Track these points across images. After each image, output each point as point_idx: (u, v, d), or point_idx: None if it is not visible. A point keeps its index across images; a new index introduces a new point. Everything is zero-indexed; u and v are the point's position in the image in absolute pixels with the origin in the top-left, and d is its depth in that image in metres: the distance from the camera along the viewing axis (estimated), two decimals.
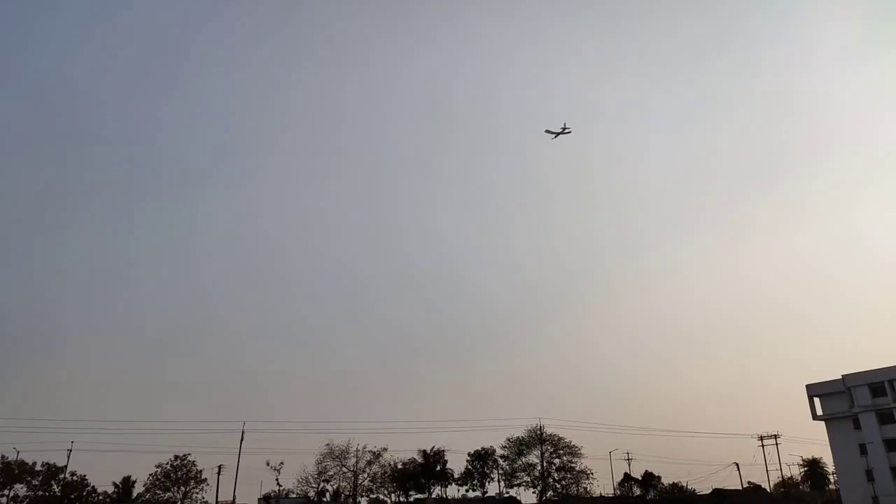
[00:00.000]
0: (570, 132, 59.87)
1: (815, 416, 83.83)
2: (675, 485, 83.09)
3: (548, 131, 58.69)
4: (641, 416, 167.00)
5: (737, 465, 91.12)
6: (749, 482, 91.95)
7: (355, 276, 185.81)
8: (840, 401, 79.76)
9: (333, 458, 77.11)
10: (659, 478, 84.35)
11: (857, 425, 77.27)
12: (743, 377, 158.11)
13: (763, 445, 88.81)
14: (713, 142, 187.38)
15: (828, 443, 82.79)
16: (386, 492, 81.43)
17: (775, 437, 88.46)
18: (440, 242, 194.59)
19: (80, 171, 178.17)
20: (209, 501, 75.23)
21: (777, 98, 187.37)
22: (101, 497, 77.17)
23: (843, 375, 79.59)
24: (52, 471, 70.91)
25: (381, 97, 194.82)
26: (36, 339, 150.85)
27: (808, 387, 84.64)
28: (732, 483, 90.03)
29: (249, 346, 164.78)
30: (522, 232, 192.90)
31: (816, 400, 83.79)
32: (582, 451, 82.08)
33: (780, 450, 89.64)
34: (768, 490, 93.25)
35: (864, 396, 76.95)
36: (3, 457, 69.48)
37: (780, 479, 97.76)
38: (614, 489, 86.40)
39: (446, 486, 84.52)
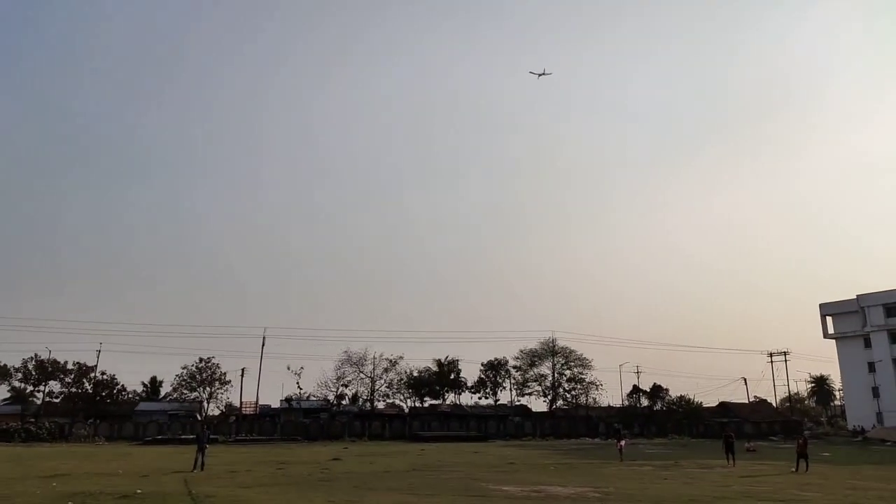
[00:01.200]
0: (551, 74, 68.89)
1: (826, 335, 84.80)
2: (682, 397, 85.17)
3: (531, 72, 67.64)
4: (653, 331, 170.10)
5: (744, 379, 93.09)
6: (755, 396, 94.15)
7: (378, 169, 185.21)
8: (853, 320, 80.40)
9: (351, 365, 79.79)
10: (667, 390, 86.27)
11: (868, 344, 78.22)
12: (755, 295, 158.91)
13: (772, 362, 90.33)
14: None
15: (836, 361, 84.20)
16: (402, 397, 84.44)
17: (784, 353, 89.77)
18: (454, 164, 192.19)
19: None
20: (233, 402, 78.69)
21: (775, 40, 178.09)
22: (130, 395, 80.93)
23: (857, 295, 79.84)
24: (84, 370, 74.04)
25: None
26: (68, 245, 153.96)
27: (821, 306, 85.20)
28: (739, 397, 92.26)
29: (274, 256, 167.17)
30: (532, 148, 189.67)
31: (829, 319, 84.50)
32: (592, 363, 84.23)
33: (789, 367, 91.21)
34: (774, 404, 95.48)
35: (877, 316, 77.45)
36: (36, 355, 72.55)
37: (787, 394, 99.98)
38: (623, 400, 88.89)
39: (460, 394, 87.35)
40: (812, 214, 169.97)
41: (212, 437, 31.13)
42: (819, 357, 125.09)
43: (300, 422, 71.05)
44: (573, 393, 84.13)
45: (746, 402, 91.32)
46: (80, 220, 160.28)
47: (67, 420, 64.77)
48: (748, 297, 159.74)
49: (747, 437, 57.42)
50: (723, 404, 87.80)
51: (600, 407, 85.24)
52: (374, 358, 79.88)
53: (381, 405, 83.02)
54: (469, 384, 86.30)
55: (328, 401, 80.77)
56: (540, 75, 66.71)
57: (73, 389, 74.80)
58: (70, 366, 74.38)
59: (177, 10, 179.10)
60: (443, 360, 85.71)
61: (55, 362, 73.42)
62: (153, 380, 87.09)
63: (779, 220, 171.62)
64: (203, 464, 27.53)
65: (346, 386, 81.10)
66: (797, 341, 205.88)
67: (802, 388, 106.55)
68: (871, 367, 76.96)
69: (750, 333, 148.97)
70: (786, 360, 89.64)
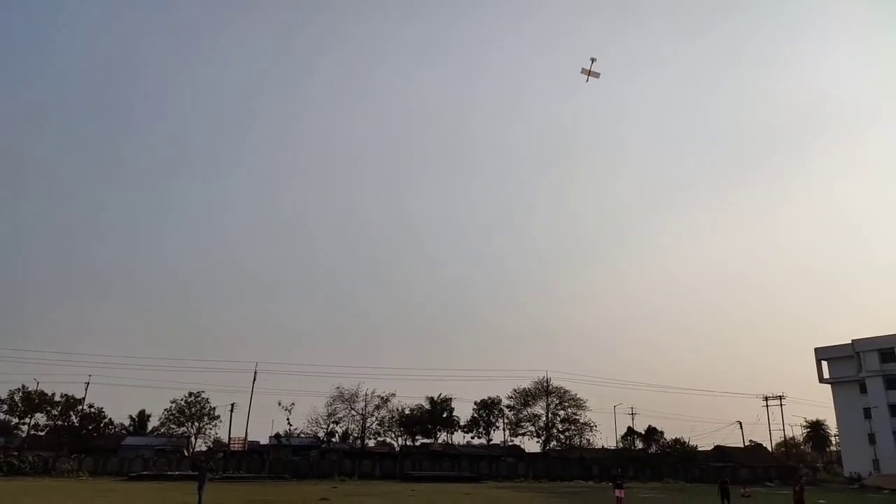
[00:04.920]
0: (599, 76, 52.41)
1: (821, 380, 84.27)
2: (677, 440, 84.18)
3: (583, 70, 51.24)
4: (647, 373, 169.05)
5: (740, 423, 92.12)
6: (751, 440, 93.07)
7: (366, 225, 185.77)
8: (848, 365, 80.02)
9: (343, 402, 78.87)
10: (662, 433, 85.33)
11: (864, 389, 77.68)
12: (751, 338, 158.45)
13: (767, 406, 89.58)
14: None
15: (832, 406, 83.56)
16: (393, 435, 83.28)
17: (780, 398, 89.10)
18: (452, 204, 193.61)
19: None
20: (221, 437, 77.43)
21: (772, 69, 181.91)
22: (117, 428, 79.67)
23: (852, 340, 79.62)
24: (71, 402, 73.04)
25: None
26: (58, 276, 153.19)
27: (816, 350, 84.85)
28: (735, 441, 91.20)
29: (265, 290, 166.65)
30: (529, 197, 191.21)
31: (824, 363, 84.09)
32: (587, 403, 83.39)
33: (784, 411, 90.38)
34: (769, 449, 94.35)
35: (872, 361, 77.10)
36: (23, 386, 71.64)
37: (783, 439, 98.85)
38: (617, 442, 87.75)
39: (452, 433, 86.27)
40: (807, 261, 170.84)
41: (209, 474, 31.24)
42: (815, 402, 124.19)
43: (289, 459, 69.79)
44: (567, 434, 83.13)
45: (742, 446, 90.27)
46: (71, 252, 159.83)
47: (52, 454, 63.55)
48: (745, 340, 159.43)
49: (743, 483, 56.53)
50: (718, 448, 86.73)
51: (594, 448, 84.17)
52: (367, 395, 79.11)
53: (371, 443, 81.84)
54: (462, 423, 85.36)
55: (318, 437, 79.58)
56: (589, 76, 52.35)
57: (60, 422, 73.68)
58: (58, 398, 73.43)
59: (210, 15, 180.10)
60: (436, 398, 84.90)
61: (42, 394, 72.48)
62: (141, 413, 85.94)
63: (775, 265, 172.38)
64: (202, 500, 27.91)
65: (338, 423, 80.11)
66: (793, 385, 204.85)
67: (798, 432, 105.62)
68: (867, 412, 76.31)
69: (746, 377, 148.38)
70: (781, 405, 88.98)
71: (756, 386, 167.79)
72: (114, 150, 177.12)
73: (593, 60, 53.49)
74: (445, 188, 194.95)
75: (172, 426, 74.94)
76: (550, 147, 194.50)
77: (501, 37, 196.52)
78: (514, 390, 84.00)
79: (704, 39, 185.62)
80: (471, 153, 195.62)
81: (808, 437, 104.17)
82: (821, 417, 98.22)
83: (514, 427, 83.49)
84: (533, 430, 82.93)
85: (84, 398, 73.45)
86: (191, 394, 75.26)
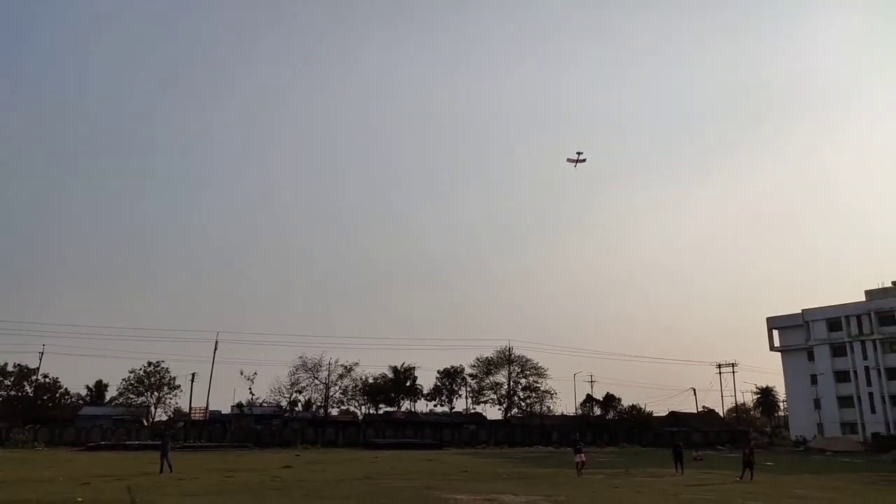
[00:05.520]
0: (585, 160, 61.55)
1: (772, 348, 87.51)
2: (633, 406, 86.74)
3: (569, 160, 61.41)
4: (607, 342, 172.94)
5: (693, 390, 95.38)
6: (704, 406, 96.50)
7: (333, 196, 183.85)
8: (797, 334, 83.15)
9: (306, 371, 78.79)
10: (619, 400, 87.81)
11: (811, 357, 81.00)
12: (706, 308, 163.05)
13: (720, 373, 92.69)
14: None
15: (781, 373, 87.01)
16: (357, 404, 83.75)
17: (732, 365, 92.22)
18: (425, 174, 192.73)
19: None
20: (182, 407, 76.70)
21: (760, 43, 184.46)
22: (73, 399, 78.07)
23: (802, 310, 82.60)
24: (25, 372, 71.19)
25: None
26: (10, 243, 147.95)
27: (768, 319, 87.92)
28: (689, 407, 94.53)
29: (225, 259, 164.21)
30: (498, 165, 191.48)
31: (775, 332, 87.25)
32: (548, 372, 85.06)
33: (737, 378, 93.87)
34: (721, 415, 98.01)
35: (820, 330, 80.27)
36: None
37: (734, 405, 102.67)
38: (576, 409, 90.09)
39: (415, 401, 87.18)
40: (765, 229, 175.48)
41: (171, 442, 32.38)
42: (765, 369, 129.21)
43: (251, 428, 69.59)
44: (528, 401, 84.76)
45: (695, 411, 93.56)
46: (26, 219, 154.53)
47: (4, 424, 62.14)
48: (699, 310, 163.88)
49: (695, 447, 58.64)
50: (672, 414, 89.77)
51: (554, 415, 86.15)
52: (330, 364, 79.11)
53: (335, 412, 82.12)
54: (425, 392, 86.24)
55: (281, 407, 79.52)
56: (577, 162, 61.23)
57: (13, 393, 71.88)
58: (10, 368, 71.49)
59: (187, 10, 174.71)
60: (399, 367, 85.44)
61: None
62: (98, 383, 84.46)
63: (730, 233, 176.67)
64: (171, 466, 29.02)
65: (300, 392, 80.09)
66: (745, 354, 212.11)
67: (749, 399, 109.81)
68: (814, 379, 79.69)
69: (700, 346, 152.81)
70: (734, 372, 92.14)
71: (710, 354, 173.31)
72: (79, 115, 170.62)
73: (579, 154, 61.05)
74: (417, 154, 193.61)
75: (131, 396, 73.76)
76: (529, 114, 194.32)
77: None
78: (477, 359, 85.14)
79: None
80: (449, 117, 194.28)
81: (757, 403, 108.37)
82: (770, 384, 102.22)
83: (477, 395, 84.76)
84: (495, 398, 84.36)
85: (38, 368, 71.70)
86: (150, 364, 74.10)
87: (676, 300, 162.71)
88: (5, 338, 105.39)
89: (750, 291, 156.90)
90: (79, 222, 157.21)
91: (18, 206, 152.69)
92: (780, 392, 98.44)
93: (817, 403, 78.83)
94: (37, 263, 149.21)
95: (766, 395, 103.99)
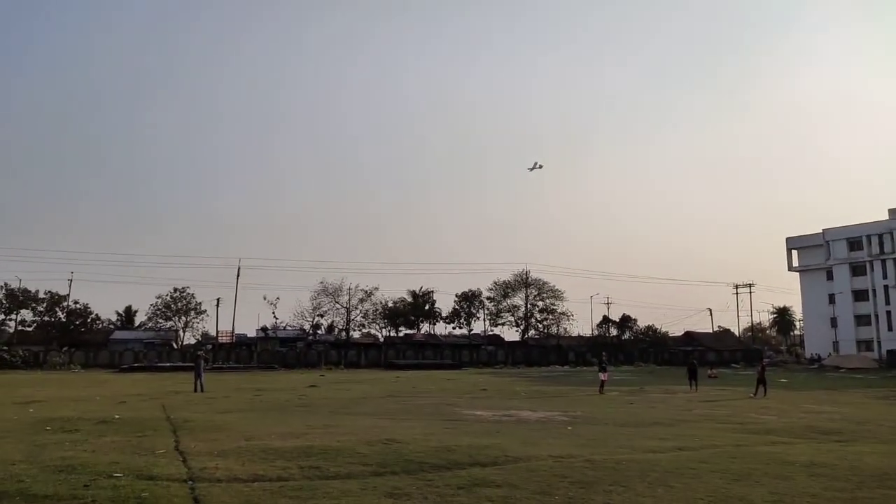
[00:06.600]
0: (542, 167, 74.99)
1: (790, 268, 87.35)
2: (649, 327, 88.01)
3: (530, 169, 73.82)
4: (624, 264, 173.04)
5: (710, 310, 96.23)
6: (720, 326, 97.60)
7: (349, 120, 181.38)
8: (817, 254, 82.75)
9: (327, 296, 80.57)
10: (635, 320, 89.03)
11: (830, 276, 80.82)
12: (724, 228, 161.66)
13: (737, 293, 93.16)
14: None
15: (799, 293, 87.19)
16: (377, 327, 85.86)
17: (749, 286, 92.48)
18: (440, 93, 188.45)
19: None
20: (209, 331, 79.24)
21: None
22: (105, 324, 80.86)
23: (822, 229, 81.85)
24: (56, 298, 73.52)
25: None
26: (41, 171, 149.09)
27: (787, 239, 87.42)
28: (704, 327, 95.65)
29: (249, 184, 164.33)
30: (509, 83, 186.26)
31: (794, 252, 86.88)
32: (564, 294, 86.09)
33: (753, 298, 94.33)
34: (737, 334, 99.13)
35: (840, 250, 79.79)
36: (6, 284, 71.73)
37: (750, 324, 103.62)
38: (592, 330, 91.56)
39: (434, 324, 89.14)
40: (786, 149, 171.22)
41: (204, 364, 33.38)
42: (783, 289, 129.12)
43: (277, 350, 71.92)
44: (545, 323, 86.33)
45: (711, 331, 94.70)
46: (52, 150, 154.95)
47: (41, 348, 64.73)
48: (717, 230, 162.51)
49: (710, 365, 59.70)
50: (688, 333, 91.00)
51: (571, 336, 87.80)
52: (350, 289, 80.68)
53: (356, 335, 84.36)
54: (444, 315, 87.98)
55: (304, 330, 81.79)
56: (532, 169, 73.26)
57: (46, 318, 74.48)
58: (42, 295, 73.79)
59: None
60: (418, 292, 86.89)
61: (26, 291, 72.72)
62: (128, 309, 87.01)
63: (747, 156, 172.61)
64: (203, 386, 29.96)
65: (322, 316, 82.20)
66: (763, 274, 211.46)
67: (766, 318, 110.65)
68: (832, 298, 79.84)
69: (717, 266, 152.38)
70: (750, 292, 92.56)
71: (728, 275, 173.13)
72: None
73: (536, 162, 73.58)
74: (437, 72, 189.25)
75: (160, 321, 76.35)
76: (549, 32, 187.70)
77: None
78: (495, 283, 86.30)
79: None
80: (465, 38, 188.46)
81: (774, 323, 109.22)
82: (788, 304, 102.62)
83: (495, 317, 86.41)
84: (512, 320, 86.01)
85: (68, 294, 73.98)
86: (175, 289, 76.15)
87: (694, 223, 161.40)
88: (32, 264, 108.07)
89: (770, 213, 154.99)
90: (98, 152, 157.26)
91: (33, 139, 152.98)
92: (797, 312, 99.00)
93: (834, 322, 79.31)
94: (61, 192, 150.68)
95: (782, 314, 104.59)
